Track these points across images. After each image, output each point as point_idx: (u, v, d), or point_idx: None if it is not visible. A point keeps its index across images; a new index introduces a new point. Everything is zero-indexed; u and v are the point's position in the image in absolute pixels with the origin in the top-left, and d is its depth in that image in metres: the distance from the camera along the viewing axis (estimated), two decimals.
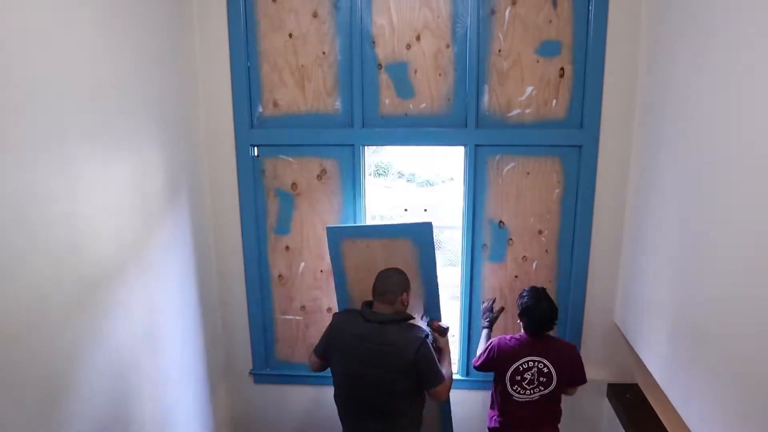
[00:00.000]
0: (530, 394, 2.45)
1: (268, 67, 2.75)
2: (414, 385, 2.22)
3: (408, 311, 2.34)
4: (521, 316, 2.48)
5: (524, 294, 2.50)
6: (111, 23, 1.95)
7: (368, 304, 2.30)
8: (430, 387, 2.21)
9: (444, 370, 2.25)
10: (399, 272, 2.32)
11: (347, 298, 2.64)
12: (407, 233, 2.52)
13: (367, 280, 2.41)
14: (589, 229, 2.77)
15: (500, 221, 2.83)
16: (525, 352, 2.44)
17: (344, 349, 2.24)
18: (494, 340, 2.52)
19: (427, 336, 2.21)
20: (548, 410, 2.50)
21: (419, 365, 2.16)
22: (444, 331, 2.43)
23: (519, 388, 2.45)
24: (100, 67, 1.88)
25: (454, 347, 2.98)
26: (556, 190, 2.77)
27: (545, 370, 2.43)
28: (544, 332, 2.46)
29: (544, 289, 2.51)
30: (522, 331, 2.51)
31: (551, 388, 2.44)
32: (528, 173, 2.76)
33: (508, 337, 2.51)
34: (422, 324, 2.45)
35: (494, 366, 2.50)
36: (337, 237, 2.58)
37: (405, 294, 2.28)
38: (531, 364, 2.43)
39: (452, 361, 2.46)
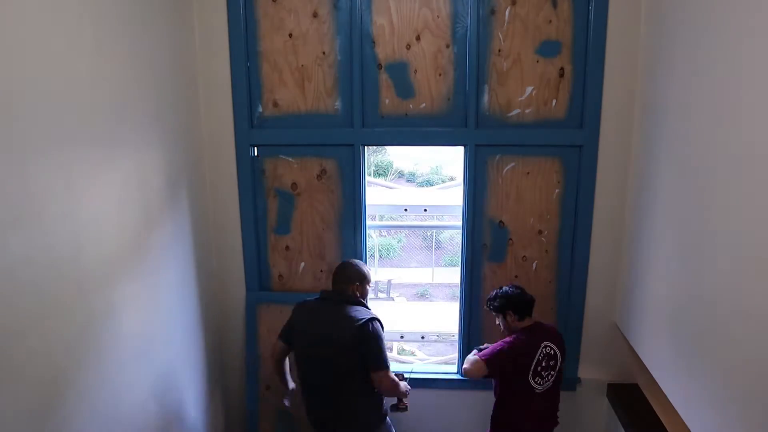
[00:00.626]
0: (548, 380, 2.42)
1: (268, 67, 2.75)
2: (359, 365, 2.26)
3: None
4: (505, 310, 2.44)
5: (497, 294, 2.47)
6: (111, 23, 1.95)
7: (327, 290, 2.42)
8: (374, 369, 2.25)
9: (392, 373, 2.31)
10: (357, 264, 2.44)
11: None
12: None
13: None
14: (589, 229, 2.77)
15: (500, 221, 2.83)
16: (537, 340, 2.39)
17: (301, 329, 2.37)
18: (502, 342, 2.42)
19: (375, 318, 2.30)
20: (557, 396, 2.51)
21: (364, 339, 2.22)
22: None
23: (540, 379, 2.39)
24: (100, 67, 1.88)
25: (454, 348, 2.97)
26: (556, 190, 2.77)
27: (551, 352, 2.41)
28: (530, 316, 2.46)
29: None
30: (509, 332, 2.46)
31: (558, 366, 2.43)
32: (528, 173, 2.76)
33: (508, 339, 2.43)
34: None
35: (510, 364, 2.36)
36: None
37: (360, 285, 2.39)
38: (545, 350, 2.39)
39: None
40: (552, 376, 2.42)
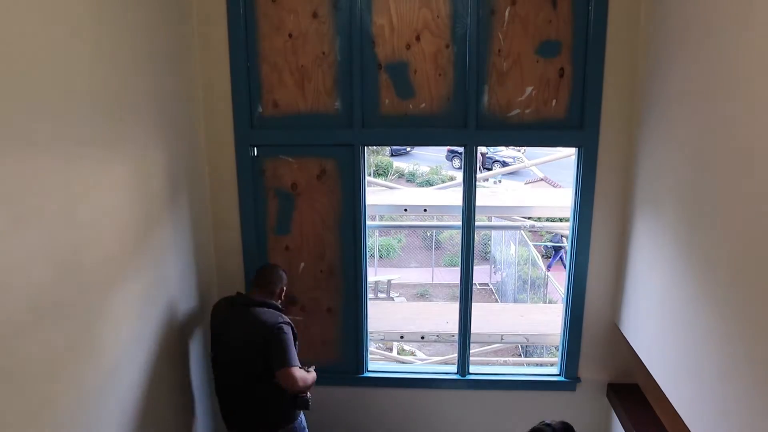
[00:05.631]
0: None
1: (268, 68, 2.75)
2: (269, 367, 2.30)
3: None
4: None
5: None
6: (111, 23, 1.95)
7: (241, 293, 2.52)
8: (277, 368, 2.27)
9: (298, 367, 2.32)
10: (280, 268, 2.57)
11: None
12: None
13: None
14: (589, 229, 2.77)
15: None
16: None
17: (216, 335, 2.46)
18: None
19: (287, 322, 2.36)
20: None
21: (271, 342, 2.29)
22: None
23: None
24: (100, 67, 1.88)
25: (454, 348, 2.98)
26: None
27: None
28: None
29: None
30: None
31: None
32: None
33: None
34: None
35: None
36: None
37: (282, 289, 2.52)
38: None
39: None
40: None
